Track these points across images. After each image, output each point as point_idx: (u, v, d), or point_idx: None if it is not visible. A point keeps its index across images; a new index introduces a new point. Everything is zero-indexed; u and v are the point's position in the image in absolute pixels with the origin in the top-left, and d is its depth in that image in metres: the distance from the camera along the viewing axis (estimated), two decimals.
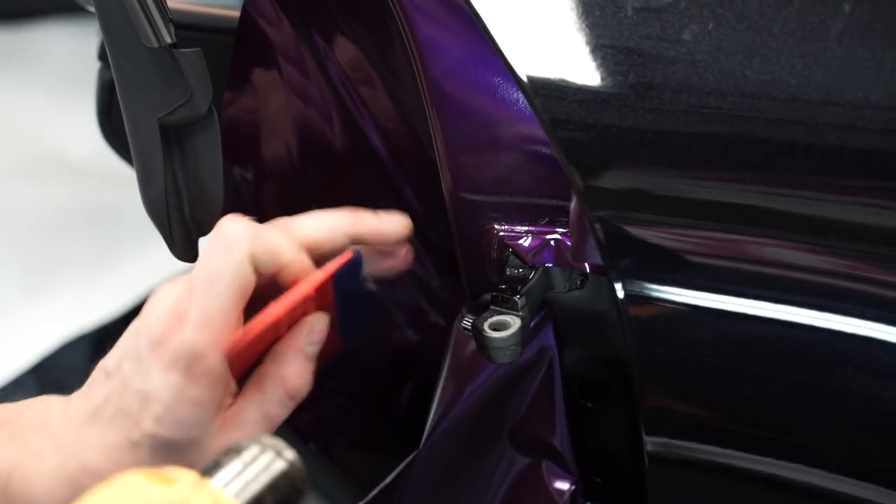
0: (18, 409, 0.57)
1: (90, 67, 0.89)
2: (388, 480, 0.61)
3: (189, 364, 0.50)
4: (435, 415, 0.59)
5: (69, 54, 1.81)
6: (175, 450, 0.52)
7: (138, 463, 0.52)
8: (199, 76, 0.55)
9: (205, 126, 0.57)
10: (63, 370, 1.09)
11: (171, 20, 0.54)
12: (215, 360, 0.51)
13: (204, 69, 0.55)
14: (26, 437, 0.55)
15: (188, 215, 0.58)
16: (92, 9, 0.76)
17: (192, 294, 0.51)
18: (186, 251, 0.59)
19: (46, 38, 1.88)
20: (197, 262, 0.52)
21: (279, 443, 0.44)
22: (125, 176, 1.01)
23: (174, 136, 0.57)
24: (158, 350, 0.51)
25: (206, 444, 0.52)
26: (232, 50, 0.67)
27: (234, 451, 0.43)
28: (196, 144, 0.57)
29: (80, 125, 1.40)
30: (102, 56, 0.81)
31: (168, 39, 0.54)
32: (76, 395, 0.56)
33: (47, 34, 1.88)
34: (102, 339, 1.10)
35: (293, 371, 0.52)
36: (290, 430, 0.75)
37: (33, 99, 1.74)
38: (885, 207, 0.48)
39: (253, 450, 0.43)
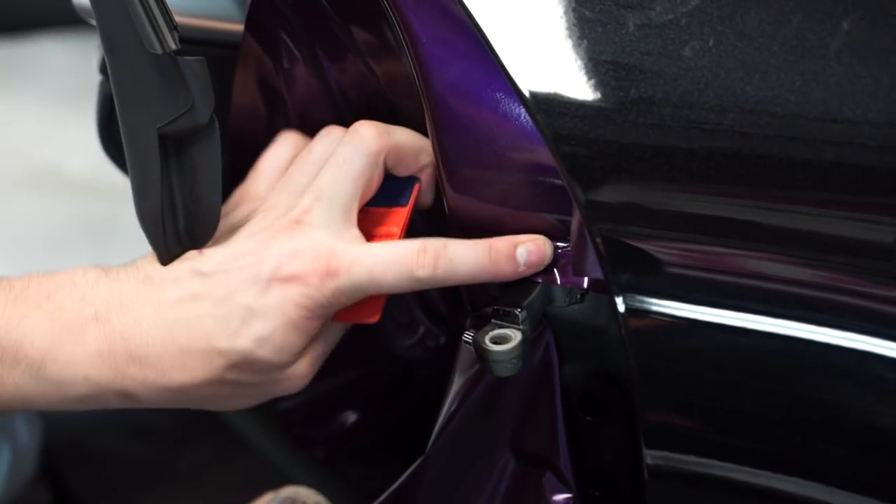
0: (57, 284, 0.56)
1: (88, 80, 0.89)
2: (393, 487, 0.61)
3: (315, 308, 0.55)
4: (439, 426, 0.59)
5: (66, 67, 1.81)
6: (256, 369, 0.55)
7: (206, 370, 0.55)
8: (201, 85, 0.54)
9: (205, 136, 0.56)
10: None
11: (175, 27, 0.53)
12: (333, 308, 0.56)
13: (207, 78, 0.55)
14: (66, 318, 0.55)
15: (183, 229, 0.57)
16: (93, 22, 0.77)
17: (316, 193, 0.57)
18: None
19: (44, 52, 1.88)
20: (329, 159, 0.58)
21: (313, 493, 0.47)
22: (121, 189, 1.01)
23: (172, 147, 0.56)
24: (289, 285, 0.55)
25: (284, 374, 0.56)
26: (235, 65, 0.67)
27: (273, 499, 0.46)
28: (195, 155, 0.57)
29: (77, 138, 1.40)
30: (104, 69, 0.81)
31: (173, 46, 0.53)
32: (132, 275, 0.57)
33: (44, 47, 1.89)
34: None
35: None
36: (292, 439, 0.75)
37: (30, 112, 1.73)
38: (883, 223, 0.48)
39: (292, 497, 0.46)
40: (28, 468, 0.98)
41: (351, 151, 0.58)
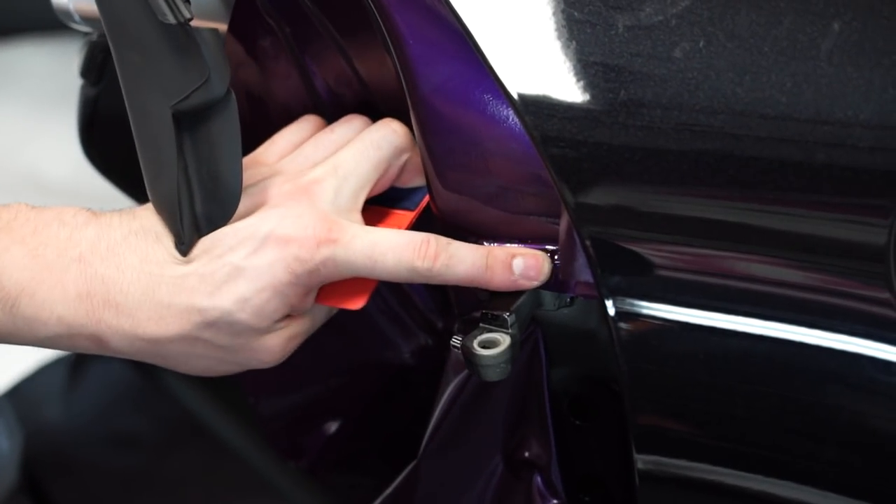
0: (45, 221, 0.55)
1: (67, 86, 0.89)
2: (387, 493, 0.60)
3: (304, 274, 0.54)
4: (430, 431, 0.58)
5: (46, 72, 1.80)
6: (232, 331, 0.54)
7: (182, 325, 0.54)
8: (216, 55, 0.53)
9: (222, 110, 0.54)
10: (40, 393, 1.08)
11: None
12: (319, 281, 0.55)
13: (221, 48, 0.53)
14: (49, 255, 0.54)
15: (200, 210, 0.55)
16: (75, 25, 0.76)
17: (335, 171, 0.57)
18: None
19: (23, 57, 1.87)
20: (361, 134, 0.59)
21: None
22: (103, 195, 1.00)
23: (187, 125, 0.54)
24: (283, 246, 0.54)
25: (258, 342, 0.55)
26: None
27: None
28: (212, 130, 0.55)
29: (57, 144, 1.39)
30: (85, 73, 0.80)
31: (187, 14, 0.51)
32: (126, 223, 0.55)
33: (23, 53, 1.88)
34: (80, 362, 1.08)
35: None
36: (275, 448, 0.75)
37: (10, 118, 1.73)
38: (875, 225, 0.48)
39: None
40: (9, 478, 0.97)
41: (380, 138, 0.58)
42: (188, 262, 0.54)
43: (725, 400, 0.51)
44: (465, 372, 0.58)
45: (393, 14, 0.55)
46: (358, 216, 0.57)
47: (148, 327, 0.54)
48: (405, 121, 0.59)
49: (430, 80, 0.55)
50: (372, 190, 0.58)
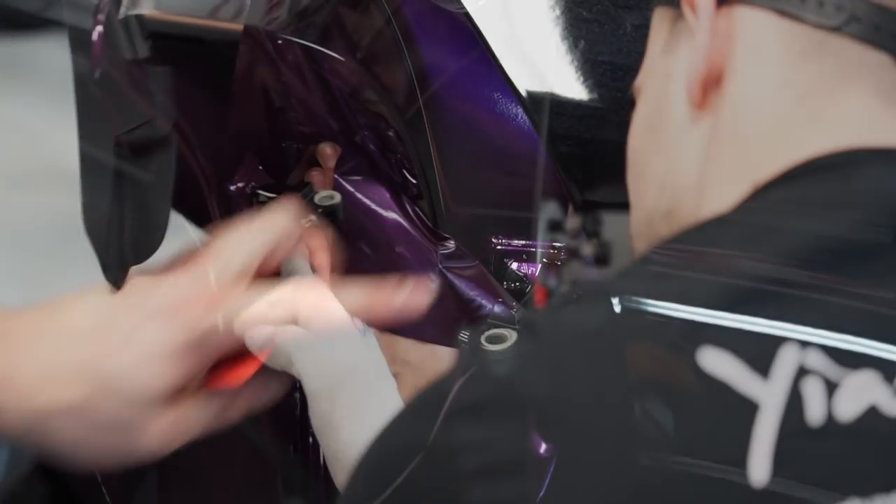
0: None
1: None
2: (396, 484, 0.61)
3: (194, 341, 0.54)
4: None
5: (68, 65, 1.82)
6: (120, 399, 0.54)
7: (69, 390, 0.54)
8: (164, 96, 0.55)
9: (162, 148, 0.56)
10: None
11: (148, 36, 0.54)
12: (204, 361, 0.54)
13: (171, 90, 0.55)
14: None
15: (127, 241, 0.56)
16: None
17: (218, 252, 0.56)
18: (118, 279, 0.56)
19: (45, 50, 1.89)
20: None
21: None
22: None
23: (129, 157, 0.56)
24: (174, 314, 0.54)
25: (147, 416, 0.55)
26: (235, 67, 0.67)
27: None
28: (150, 167, 0.56)
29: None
30: None
31: (144, 53, 0.53)
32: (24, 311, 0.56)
33: (46, 45, 1.89)
34: None
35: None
36: (287, 437, 0.75)
37: (32, 109, 1.74)
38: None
39: None
40: (25, 461, 0.99)
41: (261, 224, 0.58)
42: (91, 324, 0.55)
43: None
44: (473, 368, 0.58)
45: (406, 13, 0.56)
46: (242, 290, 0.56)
47: (34, 399, 0.54)
48: (416, 119, 0.59)
49: (440, 77, 0.56)
50: (261, 268, 0.57)
